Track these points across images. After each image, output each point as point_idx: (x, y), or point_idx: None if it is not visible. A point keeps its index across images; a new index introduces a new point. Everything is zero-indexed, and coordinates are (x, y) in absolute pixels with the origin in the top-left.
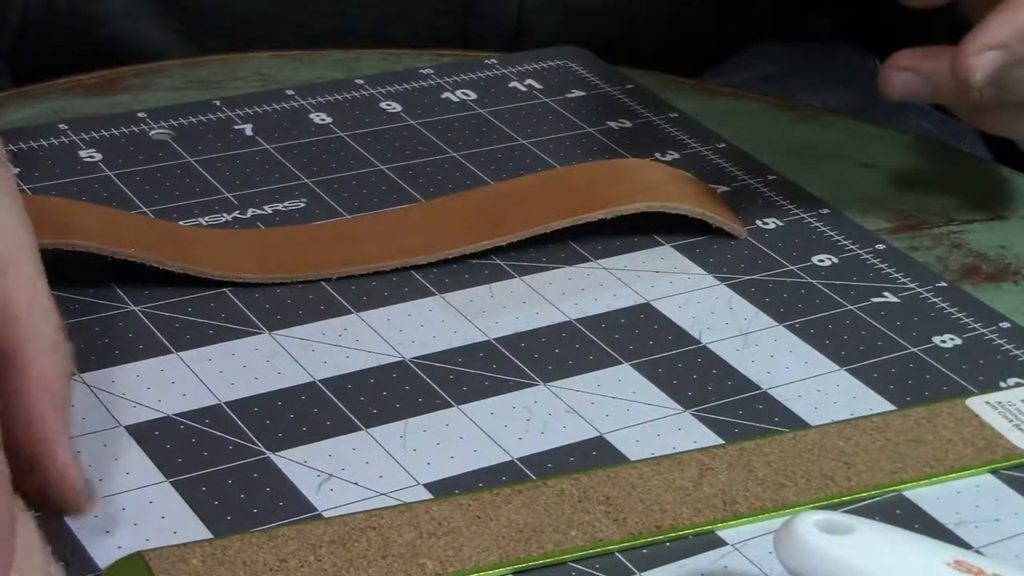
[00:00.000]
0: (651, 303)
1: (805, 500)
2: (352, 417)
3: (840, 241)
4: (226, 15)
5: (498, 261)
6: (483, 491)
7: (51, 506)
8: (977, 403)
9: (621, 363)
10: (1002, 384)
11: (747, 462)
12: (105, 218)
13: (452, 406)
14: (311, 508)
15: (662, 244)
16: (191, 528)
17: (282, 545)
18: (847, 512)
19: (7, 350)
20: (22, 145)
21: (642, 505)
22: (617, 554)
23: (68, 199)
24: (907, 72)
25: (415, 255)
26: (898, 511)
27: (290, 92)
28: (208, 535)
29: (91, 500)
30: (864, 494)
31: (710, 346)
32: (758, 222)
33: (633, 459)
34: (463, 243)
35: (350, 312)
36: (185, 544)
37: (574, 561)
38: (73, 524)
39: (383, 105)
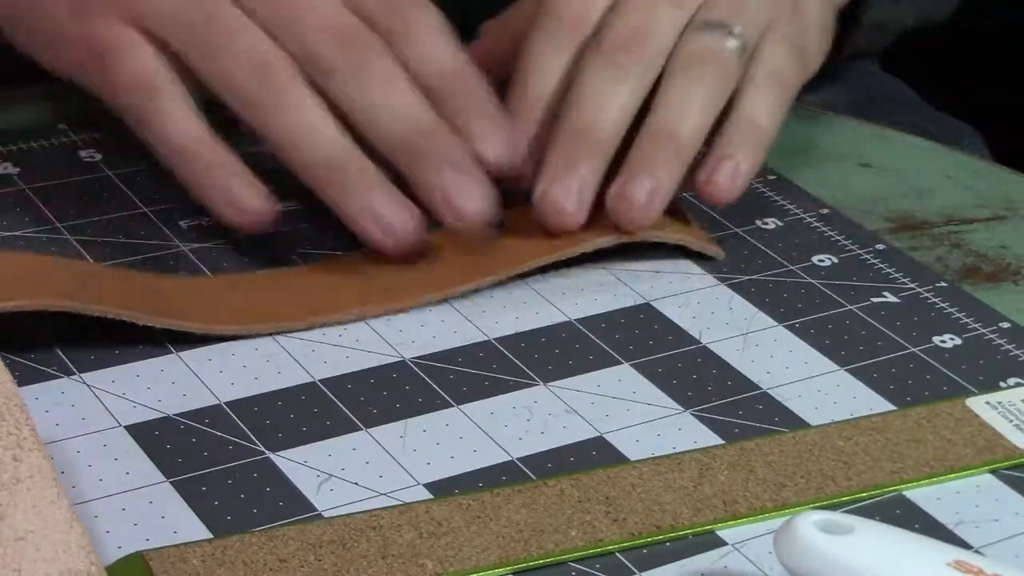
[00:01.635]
0: (651, 303)
1: (805, 500)
2: (352, 417)
3: (840, 241)
4: None
5: None
6: (483, 491)
7: None
8: (977, 403)
9: (621, 363)
10: (1002, 384)
11: (747, 462)
12: (78, 274)
13: (452, 406)
14: (311, 508)
15: (662, 244)
16: (191, 528)
17: (282, 545)
18: (847, 512)
19: None
20: (22, 145)
21: (642, 505)
22: (617, 554)
23: (39, 255)
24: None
25: (401, 301)
26: (898, 511)
27: None
28: (208, 535)
29: None
30: (864, 494)
31: (710, 346)
32: (758, 222)
33: (633, 459)
34: (450, 284)
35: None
36: (185, 544)
37: (574, 561)
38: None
39: None
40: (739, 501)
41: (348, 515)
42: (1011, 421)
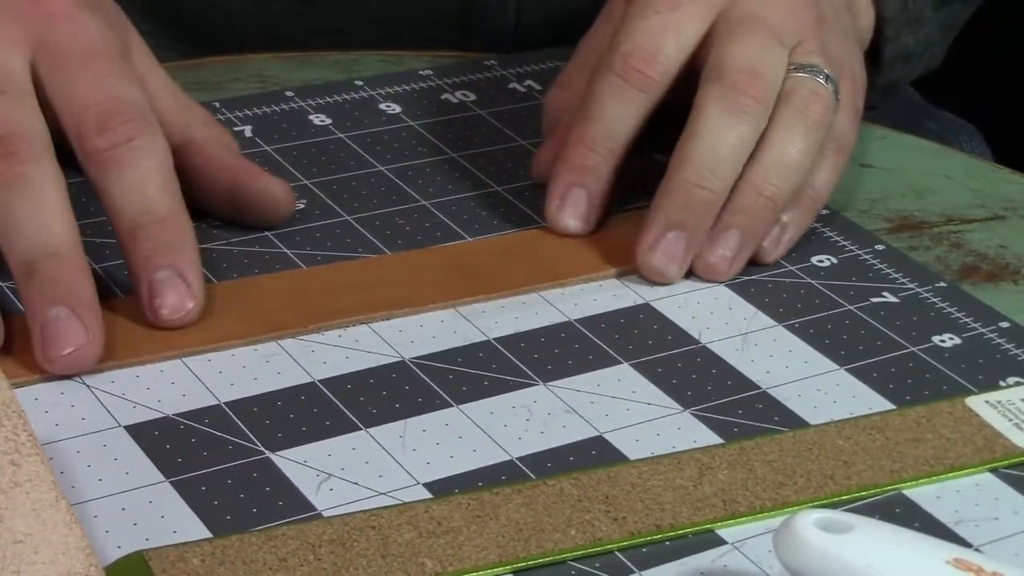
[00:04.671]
0: (651, 303)
1: (805, 499)
2: (352, 417)
3: (839, 241)
4: (225, 33)
5: None
6: (482, 490)
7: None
8: (977, 402)
9: (621, 363)
10: (1001, 383)
11: (747, 461)
12: None
13: (452, 406)
14: (310, 508)
15: None
16: (191, 527)
17: (282, 544)
18: (847, 511)
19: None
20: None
21: (642, 504)
22: (617, 553)
23: None
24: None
25: (401, 307)
26: (898, 510)
27: (290, 93)
28: (208, 534)
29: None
30: (863, 493)
31: (710, 346)
32: None
33: (633, 459)
34: (446, 298)
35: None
36: (185, 543)
37: (574, 560)
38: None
39: (382, 106)
40: (739, 500)
41: (348, 514)
42: (1011, 420)
